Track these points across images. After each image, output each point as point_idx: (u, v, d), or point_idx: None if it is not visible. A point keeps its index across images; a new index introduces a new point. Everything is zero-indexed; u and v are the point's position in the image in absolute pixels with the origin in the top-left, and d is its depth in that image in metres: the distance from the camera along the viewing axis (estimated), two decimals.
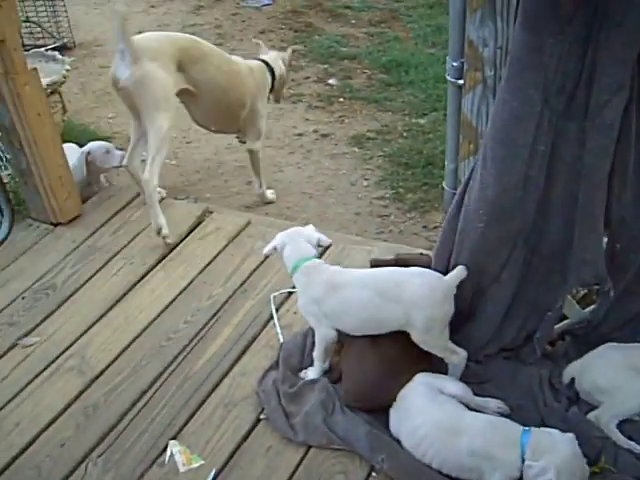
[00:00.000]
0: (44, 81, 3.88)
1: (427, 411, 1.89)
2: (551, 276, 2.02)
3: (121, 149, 3.38)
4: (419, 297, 1.93)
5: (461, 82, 1.84)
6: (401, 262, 2.20)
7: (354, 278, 2.06)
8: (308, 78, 5.32)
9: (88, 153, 3.25)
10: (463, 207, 1.89)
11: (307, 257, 2.12)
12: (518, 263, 1.98)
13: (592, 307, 2.24)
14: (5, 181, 3.42)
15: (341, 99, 4.93)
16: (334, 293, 2.03)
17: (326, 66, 5.50)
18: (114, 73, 2.87)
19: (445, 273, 2.03)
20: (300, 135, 4.50)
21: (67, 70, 4.02)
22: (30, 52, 4.42)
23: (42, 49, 5.04)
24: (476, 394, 2.00)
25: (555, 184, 1.83)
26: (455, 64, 1.83)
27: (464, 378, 2.05)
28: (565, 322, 2.26)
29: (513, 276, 2.01)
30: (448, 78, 1.88)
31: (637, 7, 1.59)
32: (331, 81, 5.21)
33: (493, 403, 2.00)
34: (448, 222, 1.97)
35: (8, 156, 3.19)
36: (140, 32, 6.44)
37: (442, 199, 3.21)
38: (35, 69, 2.72)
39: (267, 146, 4.39)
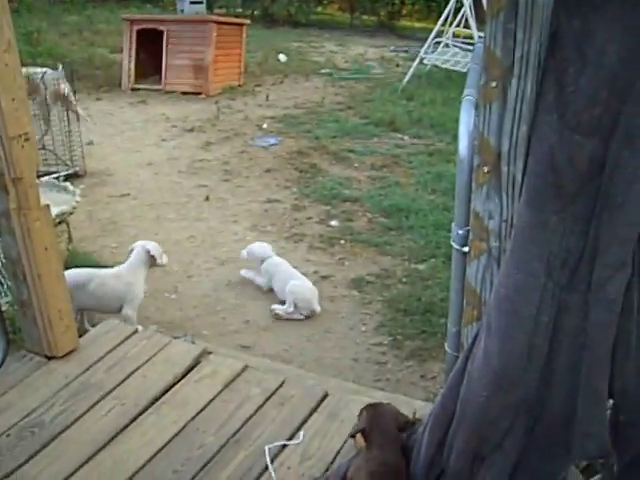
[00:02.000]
0: (54, 211, 3.98)
1: None
2: (554, 446, 1.97)
3: None
4: None
5: (466, 249, 1.89)
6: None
7: None
8: (310, 219, 5.46)
9: (148, 251, 3.73)
10: (466, 374, 1.87)
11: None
12: (520, 432, 1.93)
13: (596, 477, 2.17)
14: (3, 309, 3.42)
15: (342, 241, 5.03)
16: None
17: (328, 207, 5.66)
18: None
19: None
20: None
21: (77, 202, 4.13)
22: (43, 180, 4.56)
23: (54, 177, 5.22)
24: None
25: (558, 355, 1.82)
26: (460, 232, 1.88)
27: None
28: None
29: (515, 445, 1.96)
30: (453, 245, 1.93)
31: (637, 190, 1.66)
32: (333, 223, 5.34)
33: None
34: (449, 389, 1.94)
35: (9, 283, 3.21)
36: (150, 164, 6.70)
37: (442, 353, 3.19)
38: (47, 205, 2.78)
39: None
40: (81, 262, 4.45)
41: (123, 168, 6.65)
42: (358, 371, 3.56)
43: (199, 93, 9.45)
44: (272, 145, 7.29)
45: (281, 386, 2.82)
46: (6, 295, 3.61)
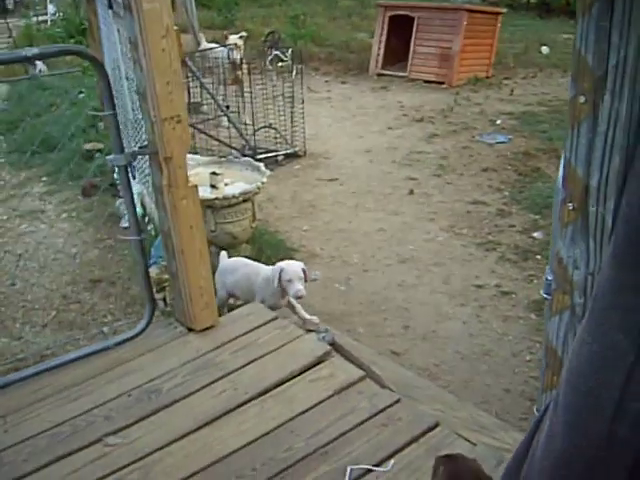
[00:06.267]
0: (238, 189, 4.13)
1: None
2: None
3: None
4: None
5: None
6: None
7: None
8: (513, 227, 5.03)
9: (282, 270, 3.40)
10: (530, 449, 1.53)
11: None
12: None
13: None
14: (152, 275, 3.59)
15: (538, 256, 4.55)
16: None
17: (537, 217, 5.17)
18: None
19: None
20: (479, 287, 4.21)
21: (262, 183, 4.22)
22: (241, 160, 4.76)
23: (273, 155, 5.52)
24: None
25: None
26: (550, 278, 1.52)
27: None
28: None
29: None
30: (542, 294, 1.57)
31: None
32: (536, 234, 4.86)
33: None
34: (514, 461, 1.61)
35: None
36: (368, 151, 6.69)
37: None
38: (195, 186, 2.86)
39: (441, 292, 4.19)
40: (266, 240, 4.59)
41: (341, 152, 6.73)
42: (506, 404, 3.19)
43: (442, 82, 9.23)
44: (499, 143, 6.86)
45: (392, 405, 2.62)
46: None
